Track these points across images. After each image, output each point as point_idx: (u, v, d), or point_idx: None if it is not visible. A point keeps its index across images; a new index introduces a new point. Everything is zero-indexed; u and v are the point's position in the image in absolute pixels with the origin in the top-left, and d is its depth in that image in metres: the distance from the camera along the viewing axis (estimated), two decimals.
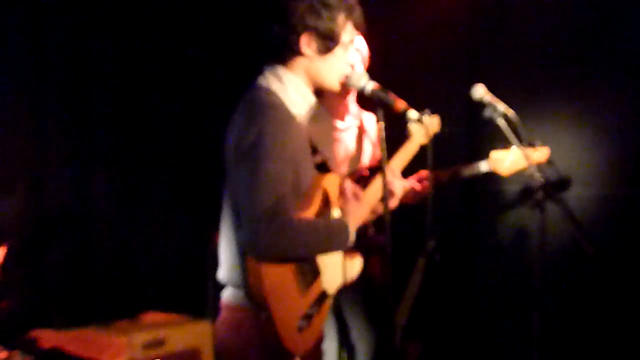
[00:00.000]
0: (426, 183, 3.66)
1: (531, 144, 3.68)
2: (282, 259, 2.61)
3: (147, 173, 4.68)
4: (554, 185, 3.98)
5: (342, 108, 3.68)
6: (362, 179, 3.60)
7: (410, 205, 3.64)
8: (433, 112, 3.62)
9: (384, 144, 2.76)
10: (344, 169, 3.63)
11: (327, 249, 2.76)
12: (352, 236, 2.81)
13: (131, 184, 4.63)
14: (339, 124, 3.68)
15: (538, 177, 3.55)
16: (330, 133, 3.65)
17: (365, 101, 3.11)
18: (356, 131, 3.75)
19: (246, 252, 2.60)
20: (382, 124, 2.77)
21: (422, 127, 3.25)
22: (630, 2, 4.28)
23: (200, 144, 4.70)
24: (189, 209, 4.74)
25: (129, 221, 4.61)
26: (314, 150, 2.96)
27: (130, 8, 4.52)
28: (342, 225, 2.79)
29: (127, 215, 4.60)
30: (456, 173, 3.84)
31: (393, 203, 3.21)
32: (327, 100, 3.61)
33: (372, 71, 3.47)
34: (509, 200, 4.63)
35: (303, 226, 2.62)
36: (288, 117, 2.72)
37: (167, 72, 4.72)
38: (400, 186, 3.24)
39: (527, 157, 3.63)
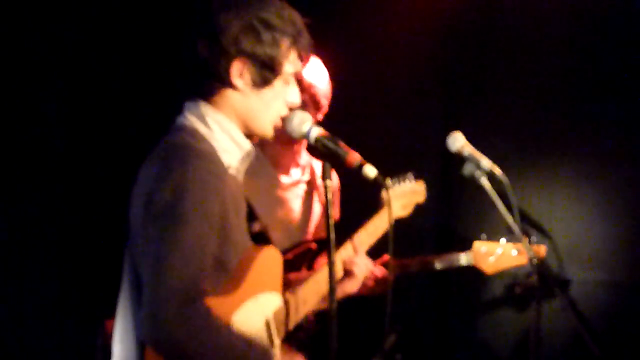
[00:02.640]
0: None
1: (526, 234, 3.61)
2: (183, 356, 2.43)
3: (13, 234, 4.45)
4: (553, 279, 3.94)
5: (288, 158, 3.63)
6: (308, 253, 3.49)
7: (370, 296, 3.54)
8: (417, 175, 3.62)
9: (333, 208, 2.61)
10: (284, 237, 3.53)
11: None
12: None
13: None
14: (282, 178, 3.62)
15: (531, 257, 3.45)
16: (270, 190, 3.59)
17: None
18: (305, 188, 3.69)
19: (144, 342, 2.44)
20: (330, 181, 2.61)
21: (394, 194, 3.13)
22: None
23: (91, 199, 4.48)
24: (73, 288, 4.47)
25: None
26: (251, 216, 2.82)
27: None
28: (265, 354, 2.60)
29: None
30: (427, 263, 3.86)
31: (353, 287, 3.14)
32: (269, 147, 3.57)
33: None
34: (494, 283, 4.54)
35: (221, 326, 2.47)
36: (218, 168, 2.56)
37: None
38: (364, 267, 3.17)
39: (518, 254, 3.68)
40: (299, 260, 3.25)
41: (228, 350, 2.49)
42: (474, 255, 3.83)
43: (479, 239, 3.86)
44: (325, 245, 3.30)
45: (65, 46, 4.51)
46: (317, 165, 3.73)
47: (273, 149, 3.58)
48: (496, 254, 3.80)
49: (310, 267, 3.30)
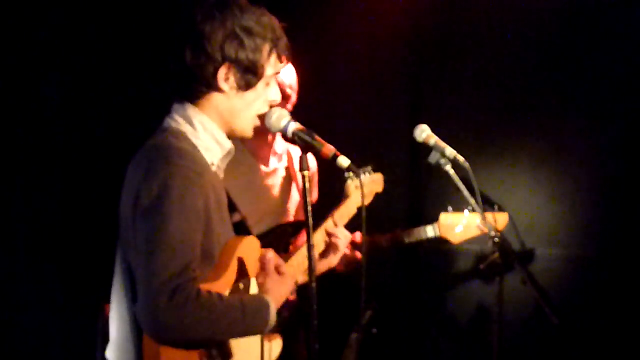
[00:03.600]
0: (358, 250, 3.65)
1: (489, 206, 3.78)
2: (186, 342, 2.50)
3: (17, 228, 4.52)
4: (514, 255, 4.11)
5: (266, 148, 3.68)
6: (286, 234, 3.54)
7: (340, 273, 3.62)
8: (375, 168, 3.69)
9: (309, 197, 2.65)
10: (267, 222, 3.57)
11: (242, 332, 2.64)
12: (273, 317, 2.67)
13: None
14: (262, 168, 3.67)
15: (495, 234, 3.61)
16: (252, 179, 3.65)
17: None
18: (283, 174, 3.74)
19: (142, 329, 2.50)
20: (307, 172, 2.67)
21: (358, 183, 3.29)
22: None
23: (83, 197, 4.56)
24: (74, 276, 4.55)
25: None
26: (232, 207, 2.92)
27: None
28: (261, 304, 2.66)
29: None
30: (397, 238, 3.96)
31: (336, 259, 3.27)
32: (249, 141, 3.65)
33: (296, 109, 3.52)
34: (460, 261, 4.67)
35: (213, 303, 2.50)
36: (201, 166, 2.62)
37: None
38: (344, 239, 3.28)
39: (482, 224, 3.73)
40: (277, 241, 3.32)
41: (224, 320, 2.54)
42: (440, 227, 3.90)
43: (445, 211, 3.92)
44: (301, 227, 3.50)
45: (59, 50, 4.53)
46: (294, 150, 3.76)
47: (252, 142, 3.56)
48: (461, 225, 3.88)
49: (287, 247, 3.37)
